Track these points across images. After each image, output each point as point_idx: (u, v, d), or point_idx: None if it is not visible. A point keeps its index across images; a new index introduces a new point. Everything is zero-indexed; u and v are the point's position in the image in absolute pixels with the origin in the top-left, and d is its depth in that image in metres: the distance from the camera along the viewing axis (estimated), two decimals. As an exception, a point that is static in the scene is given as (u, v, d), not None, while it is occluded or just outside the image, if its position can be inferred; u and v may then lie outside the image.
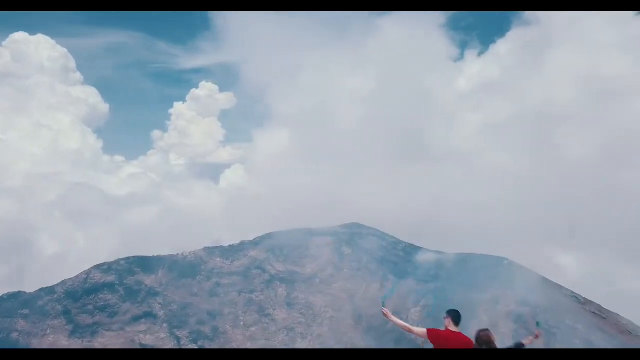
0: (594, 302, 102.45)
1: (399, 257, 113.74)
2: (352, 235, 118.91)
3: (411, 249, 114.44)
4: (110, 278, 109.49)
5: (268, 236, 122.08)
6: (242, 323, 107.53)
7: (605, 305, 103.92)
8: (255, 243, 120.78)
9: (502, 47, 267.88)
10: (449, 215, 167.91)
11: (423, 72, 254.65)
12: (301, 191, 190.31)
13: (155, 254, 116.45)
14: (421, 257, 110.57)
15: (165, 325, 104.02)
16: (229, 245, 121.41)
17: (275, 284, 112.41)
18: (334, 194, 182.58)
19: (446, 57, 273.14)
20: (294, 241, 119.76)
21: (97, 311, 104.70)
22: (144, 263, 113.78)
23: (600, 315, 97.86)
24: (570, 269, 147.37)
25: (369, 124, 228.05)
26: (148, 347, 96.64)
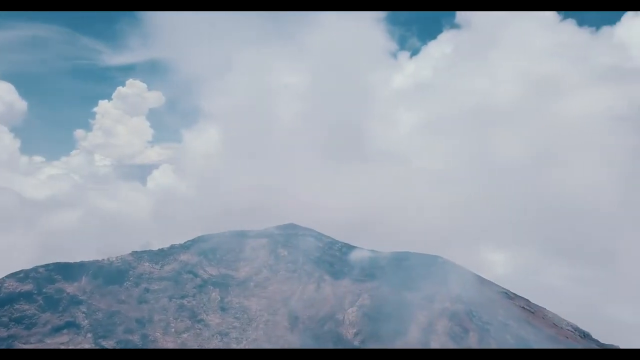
0: (522, 297, 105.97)
1: (335, 257, 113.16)
2: (287, 236, 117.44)
3: (347, 249, 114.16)
4: (28, 287, 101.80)
5: (200, 239, 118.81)
6: (173, 330, 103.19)
7: (532, 299, 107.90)
8: (186, 246, 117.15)
9: (435, 48, 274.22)
10: (386, 215, 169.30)
11: (361, 69, 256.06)
12: (234, 192, 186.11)
13: (78, 260, 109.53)
14: (357, 257, 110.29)
15: (89, 335, 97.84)
16: (159, 249, 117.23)
17: (208, 289, 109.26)
18: (268, 194, 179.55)
19: (385, 54, 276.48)
20: (227, 244, 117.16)
21: (13, 323, 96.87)
22: (66, 270, 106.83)
23: (529, 309, 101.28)
24: (499, 265, 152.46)
25: (305, 122, 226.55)
26: None
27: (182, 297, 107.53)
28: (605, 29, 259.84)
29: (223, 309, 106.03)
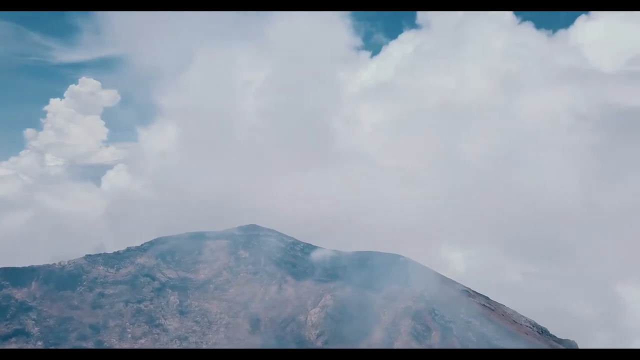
0: (482, 295, 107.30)
1: (298, 258, 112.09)
2: (248, 237, 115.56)
3: (310, 249, 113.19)
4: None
5: (157, 241, 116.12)
6: (129, 335, 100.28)
7: (491, 296, 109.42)
8: (143, 249, 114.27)
9: (396, 48, 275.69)
10: (349, 214, 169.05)
11: (325, 66, 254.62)
12: (193, 192, 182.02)
13: (28, 265, 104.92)
14: (320, 257, 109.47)
15: (40, 343, 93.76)
16: (114, 252, 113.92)
17: (166, 292, 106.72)
18: (229, 194, 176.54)
19: (349, 51, 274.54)
20: (185, 245, 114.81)
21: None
22: (14, 275, 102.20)
23: (489, 307, 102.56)
24: (459, 263, 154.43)
25: (267, 120, 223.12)
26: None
27: (139, 302, 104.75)
28: (561, 32, 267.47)
29: (182, 313, 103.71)
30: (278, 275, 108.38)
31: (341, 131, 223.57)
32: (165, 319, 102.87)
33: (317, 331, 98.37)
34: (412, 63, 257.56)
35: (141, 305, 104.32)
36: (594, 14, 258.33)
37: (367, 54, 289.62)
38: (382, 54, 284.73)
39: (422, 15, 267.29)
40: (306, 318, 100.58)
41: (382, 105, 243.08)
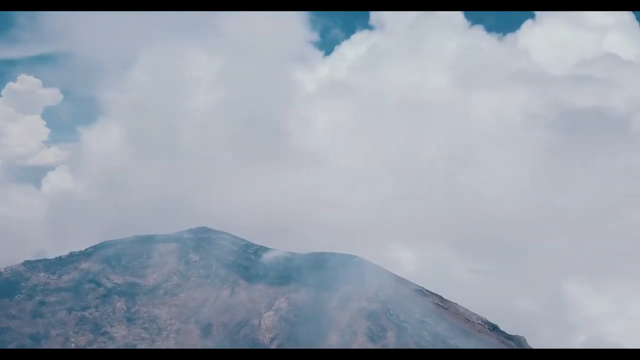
0: (436, 294, 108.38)
1: (251, 260, 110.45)
2: (199, 240, 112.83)
3: (263, 252, 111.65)
4: None
5: (102, 245, 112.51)
6: (73, 345, 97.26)
7: (444, 295, 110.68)
8: (88, 254, 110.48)
9: (349, 48, 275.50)
10: (303, 215, 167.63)
11: (279, 64, 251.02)
12: (140, 193, 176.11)
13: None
14: (273, 260, 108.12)
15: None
16: (56, 258, 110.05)
17: (112, 298, 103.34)
18: (178, 195, 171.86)
19: (304, 49, 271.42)
20: (132, 249, 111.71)
21: None
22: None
23: (442, 305, 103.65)
24: (411, 262, 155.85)
25: (218, 119, 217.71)
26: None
27: (84, 309, 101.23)
28: (510, 36, 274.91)
29: (130, 320, 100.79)
30: (230, 279, 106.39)
31: (295, 130, 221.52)
32: (111, 327, 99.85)
33: (271, 335, 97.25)
34: (366, 63, 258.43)
35: (85, 313, 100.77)
36: (540, 18, 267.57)
37: (322, 52, 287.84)
38: (335, 54, 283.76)
39: (375, 16, 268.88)
40: (260, 322, 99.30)
41: (336, 105, 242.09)
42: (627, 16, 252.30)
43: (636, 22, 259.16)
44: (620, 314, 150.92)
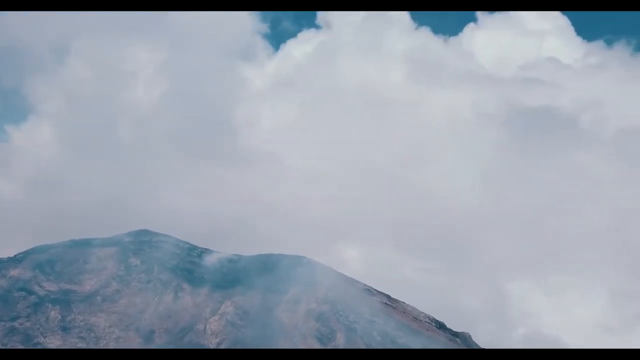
0: (384, 293, 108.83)
1: (195, 264, 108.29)
2: (140, 243, 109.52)
3: (208, 255, 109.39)
4: None
5: (33, 250, 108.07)
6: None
7: (392, 294, 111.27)
8: (17, 260, 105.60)
9: (295, 46, 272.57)
10: (251, 216, 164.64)
11: (228, 58, 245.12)
12: (75, 195, 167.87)
13: None
14: (219, 262, 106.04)
15: None
16: None
17: (45, 307, 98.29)
18: (116, 197, 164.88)
19: (252, 46, 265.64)
20: (67, 255, 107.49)
21: None
22: None
23: (390, 305, 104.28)
24: (358, 261, 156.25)
25: (161, 115, 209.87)
26: None
27: (13, 319, 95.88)
28: (455, 38, 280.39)
29: (65, 329, 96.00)
30: (173, 283, 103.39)
31: (242, 128, 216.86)
32: (44, 337, 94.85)
33: (217, 339, 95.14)
34: (314, 61, 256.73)
35: (15, 323, 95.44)
36: (481, 22, 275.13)
37: (269, 50, 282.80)
38: (281, 53, 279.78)
39: (322, 16, 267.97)
40: (205, 327, 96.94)
41: (284, 103, 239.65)
42: (563, 21, 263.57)
43: (572, 27, 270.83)
44: (557, 307, 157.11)
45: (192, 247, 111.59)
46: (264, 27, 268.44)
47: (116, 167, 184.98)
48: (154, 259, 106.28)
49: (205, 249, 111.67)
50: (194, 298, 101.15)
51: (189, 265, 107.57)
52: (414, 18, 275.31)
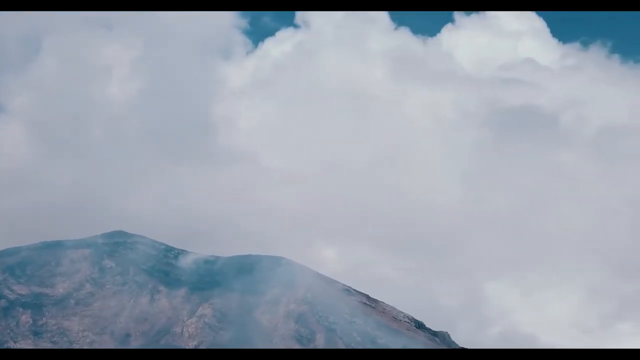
0: (363, 293, 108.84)
1: (171, 265, 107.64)
2: (115, 245, 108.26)
3: (185, 256, 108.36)
4: None
5: (3, 253, 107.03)
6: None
7: (371, 294, 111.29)
8: None
9: (273, 45, 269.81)
10: (229, 217, 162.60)
11: (205, 55, 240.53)
12: (46, 196, 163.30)
13: None
14: (196, 264, 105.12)
15: None
16: None
17: (16, 311, 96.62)
18: (89, 197, 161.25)
19: (234, 39, 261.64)
20: (39, 257, 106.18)
21: None
22: None
23: (370, 304, 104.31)
24: (336, 261, 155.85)
25: (135, 112, 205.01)
26: None
27: None
28: (434, 39, 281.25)
29: (36, 334, 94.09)
30: (149, 285, 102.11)
31: (220, 127, 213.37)
32: (15, 342, 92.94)
33: (195, 342, 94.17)
34: (293, 61, 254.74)
35: None
36: (459, 23, 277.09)
37: (248, 47, 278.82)
38: (260, 51, 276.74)
39: (300, 15, 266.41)
40: (182, 329, 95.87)
41: (262, 102, 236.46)
42: (538, 23, 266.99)
43: (547, 29, 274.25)
44: (534, 305, 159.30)
45: (169, 248, 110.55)
46: (244, 23, 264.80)
47: (89, 166, 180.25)
48: (129, 260, 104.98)
49: (182, 250, 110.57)
50: (171, 300, 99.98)
51: (165, 266, 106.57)
52: (393, 18, 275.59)
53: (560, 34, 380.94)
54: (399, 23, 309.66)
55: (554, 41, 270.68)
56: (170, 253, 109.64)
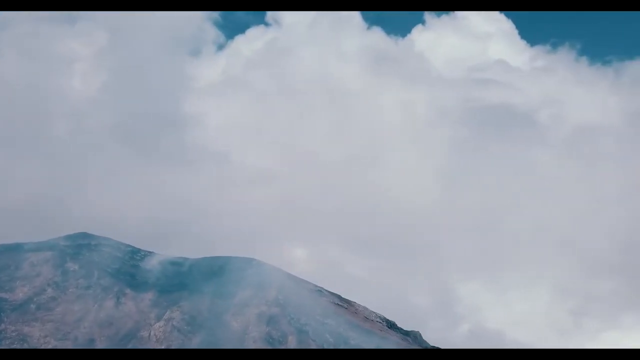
0: (335, 293, 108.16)
1: (138, 268, 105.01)
2: (78, 247, 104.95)
3: (152, 258, 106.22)
4: None
5: None
6: None
7: (343, 294, 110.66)
8: None
9: (243, 43, 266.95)
10: (198, 217, 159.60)
11: (175, 47, 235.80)
12: (4, 196, 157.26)
13: None
14: (164, 266, 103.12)
15: None
16: None
17: None
18: (52, 197, 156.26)
19: (207, 40, 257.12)
20: None
21: None
22: None
23: (342, 305, 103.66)
24: (306, 262, 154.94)
25: (99, 109, 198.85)
26: None
27: None
28: (405, 39, 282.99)
29: None
30: (115, 289, 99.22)
31: (188, 125, 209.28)
32: None
33: (163, 346, 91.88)
34: (265, 58, 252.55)
35: None
36: (429, 24, 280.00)
37: (220, 40, 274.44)
38: (230, 49, 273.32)
39: (271, 14, 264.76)
40: (150, 333, 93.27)
41: (233, 101, 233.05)
42: (507, 24, 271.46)
43: (516, 31, 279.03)
44: (503, 303, 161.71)
45: (135, 250, 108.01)
46: (215, 15, 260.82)
47: (50, 165, 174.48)
48: (94, 263, 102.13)
49: (150, 252, 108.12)
50: (138, 304, 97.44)
51: (131, 269, 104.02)
52: (365, 18, 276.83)
53: (529, 35, 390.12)
54: (371, 23, 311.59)
55: (522, 43, 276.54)
56: (137, 255, 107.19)
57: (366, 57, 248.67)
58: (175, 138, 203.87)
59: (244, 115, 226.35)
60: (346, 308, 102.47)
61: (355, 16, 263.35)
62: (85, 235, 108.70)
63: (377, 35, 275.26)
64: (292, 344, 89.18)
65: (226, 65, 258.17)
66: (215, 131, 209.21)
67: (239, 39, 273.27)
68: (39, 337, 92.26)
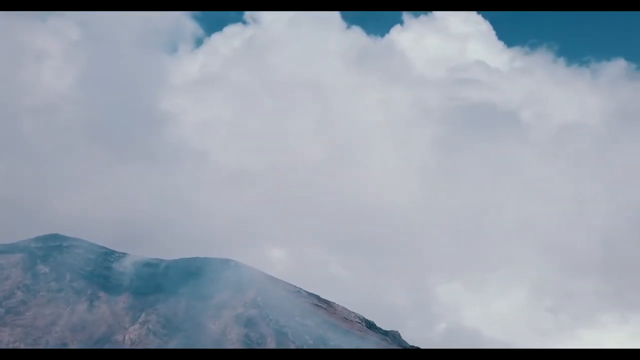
0: (313, 294, 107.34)
1: (112, 270, 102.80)
2: (49, 249, 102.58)
3: (126, 259, 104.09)
4: None
5: None
6: None
7: (321, 294, 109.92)
8: None
9: (221, 41, 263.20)
10: (174, 218, 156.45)
11: (150, 46, 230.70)
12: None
13: None
14: (139, 267, 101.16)
15: None
16: None
17: None
18: (21, 197, 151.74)
19: (185, 35, 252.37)
20: None
21: None
22: None
23: (321, 305, 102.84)
24: (285, 262, 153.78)
25: (71, 105, 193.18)
26: None
27: None
28: (384, 39, 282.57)
29: None
30: (88, 292, 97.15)
31: (165, 122, 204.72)
32: None
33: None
34: (243, 57, 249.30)
35: None
36: (407, 25, 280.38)
37: (199, 34, 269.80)
38: (207, 46, 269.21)
39: (249, 13, 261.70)
40: (124, 337, 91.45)
41: (211, 98, 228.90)
42: (484, 26, 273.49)
43: (493, 32, 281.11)
44: (479, 301, 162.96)
45: (109, 252, 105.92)
46: (189, 18, 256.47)
47: (19, 164, 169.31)
48: (66, 265, 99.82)
49: (124, 254, 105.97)
50: (112, 307, 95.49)
51: (105, 271, 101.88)
52: (344, 18, 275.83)
53: (506, 37, 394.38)
54: (350, 22, 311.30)
55: (500, 44, 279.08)
56: (111, 257, 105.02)
57: (347, 56, 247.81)
58: (151, 136, 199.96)
59: (223, 114, 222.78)
60: (325, 308, 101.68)
61: (334, 16, 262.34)
62: (56, 236, 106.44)
63: (357, 34, 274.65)
64: (271, 345, 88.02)
65: (204, 63, 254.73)
66: (192, 129, 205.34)
67: (217, 37, 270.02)
68: (8, 342, 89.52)
